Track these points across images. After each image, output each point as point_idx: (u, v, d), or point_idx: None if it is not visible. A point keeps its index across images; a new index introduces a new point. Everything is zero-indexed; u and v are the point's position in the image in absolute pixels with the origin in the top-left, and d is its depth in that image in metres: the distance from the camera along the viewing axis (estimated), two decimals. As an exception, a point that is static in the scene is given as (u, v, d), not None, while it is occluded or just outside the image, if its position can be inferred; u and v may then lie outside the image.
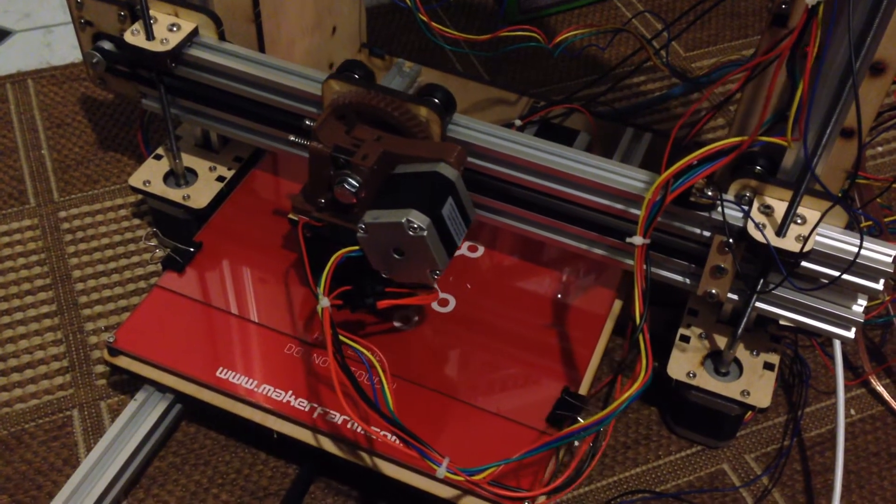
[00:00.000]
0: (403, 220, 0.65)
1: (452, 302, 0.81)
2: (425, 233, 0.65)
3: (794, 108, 0.60)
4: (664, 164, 0.65)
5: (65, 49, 1.17)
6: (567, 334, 0.79)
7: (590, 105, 1.02)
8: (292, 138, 0.76)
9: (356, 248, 0.69)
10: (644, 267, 0.66)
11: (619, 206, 0.72)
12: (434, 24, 0.91)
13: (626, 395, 0.62)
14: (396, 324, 0.79)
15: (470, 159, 0.75)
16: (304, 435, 0.73)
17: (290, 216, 0.76)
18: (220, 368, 0.76)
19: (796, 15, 0.63)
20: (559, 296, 0.82)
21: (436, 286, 0.71)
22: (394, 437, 0.65)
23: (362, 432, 0.71)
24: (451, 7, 1.25)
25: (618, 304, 0.81)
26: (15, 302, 0.90)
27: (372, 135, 0.72)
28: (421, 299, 0.72)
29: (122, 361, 0.77)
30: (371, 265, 0.70)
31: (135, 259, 0.94)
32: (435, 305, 0.81)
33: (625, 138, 0.94)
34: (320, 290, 0.66)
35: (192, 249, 0.84)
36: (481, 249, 0.86)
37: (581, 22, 1.25)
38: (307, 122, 0.74)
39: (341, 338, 0.66)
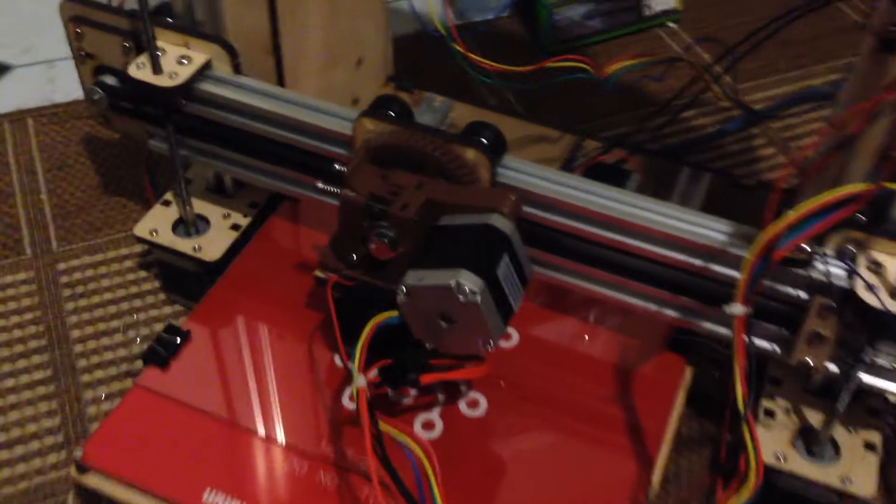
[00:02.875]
0: (453, 283, 0.55)
1: (483, 403, 0.68)
2: (478, 297, 0.56)
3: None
4: (767, 218, 0.56)
5: (69, 85, 1.09)
6: (629, 426, 0.67)
7: (642, 145, 0.93)
8: (320, 185, 0.66)
9: (394, 313, 0.60)
10: (745, 340, 0.56)
11: (698, 263, 0.62)
12: (470, 54, 0.83)
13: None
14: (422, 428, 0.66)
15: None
16: None
17: (317, 273, 0.66)
18: (209, 490, 0.63)
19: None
20: (615, 382, 0.70)
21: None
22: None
23: None
24: (483, 37, 1.17)
25: (689, 371, 0.71)
26: (5, 367, 0.80)
27: (412, 181, 0.63)
28: (469, 372, 0.62)
29: (92, 480, 0.64)
30: (413, 334, 0.60)
31: (140, 317, 0.84)
32: (462, 408, 0.68)
33: (681, 179, 0.85)
34: (354, 365, 0.56)
35: (178, 340, 0.71)
36: (515, 336, 0.73)
37: (621, 53, 1.16)
38: (337, 167, 0.65)
39: (381, 426, 0.56)
